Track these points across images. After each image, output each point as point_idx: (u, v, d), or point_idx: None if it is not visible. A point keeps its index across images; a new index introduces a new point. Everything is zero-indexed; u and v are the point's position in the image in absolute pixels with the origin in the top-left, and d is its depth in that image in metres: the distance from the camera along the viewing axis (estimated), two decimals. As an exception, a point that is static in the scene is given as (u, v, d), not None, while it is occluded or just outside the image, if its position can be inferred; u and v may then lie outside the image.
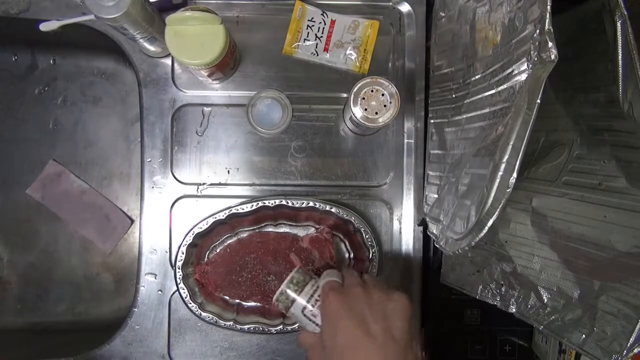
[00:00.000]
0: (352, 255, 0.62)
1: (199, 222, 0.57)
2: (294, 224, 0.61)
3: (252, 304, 0.60)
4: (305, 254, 0.59)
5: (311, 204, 0.57)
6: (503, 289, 0.51)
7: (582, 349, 0.41)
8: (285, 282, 0.47)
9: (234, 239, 0.61)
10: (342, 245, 0.62)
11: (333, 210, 0.57)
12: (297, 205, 0.57)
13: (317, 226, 0.61)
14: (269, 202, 0.57)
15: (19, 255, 0.69)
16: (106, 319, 0.69)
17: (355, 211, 0.59)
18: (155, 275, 0.60)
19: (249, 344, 0.61)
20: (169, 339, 0.60)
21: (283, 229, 0.62)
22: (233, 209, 0.57)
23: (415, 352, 0.41)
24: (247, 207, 0.57)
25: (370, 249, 0.58)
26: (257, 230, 0.61)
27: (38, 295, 0.69)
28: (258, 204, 0.57)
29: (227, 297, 0.59)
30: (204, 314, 0.57)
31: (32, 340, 0.67)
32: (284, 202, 0.57)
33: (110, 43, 0.60)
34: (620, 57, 0.36)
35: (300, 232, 0.62)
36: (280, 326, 0.57)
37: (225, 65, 0.56)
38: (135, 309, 0.60)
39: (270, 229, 0.61)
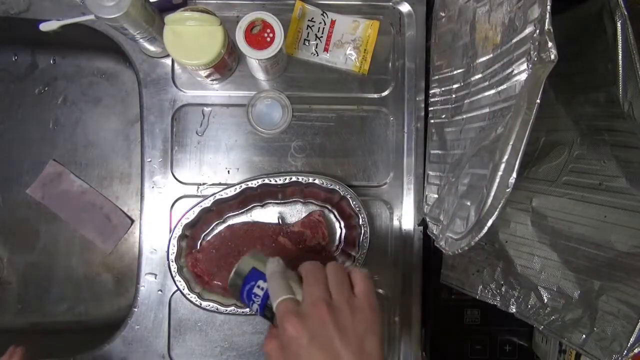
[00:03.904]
0: (342, 225, 0.62)
1: (186, 213, 0.57)
2: (280, 201, 0.62)
3: None
4: (297, 236, 0.59)
5: (294, 178, 0.57)
6: (503, 289, 0.51)
7: (582, 349, 0.41)
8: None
9: (223, 225, 0.61)
10: (332, 216, 0.62)
11: (317, 181, 0.57)
12: (280, 182, 0.57)
13: (303, 200, 0.61)
14: (252, 183, 0.57)
15: (19, 255, 0.69)
16: (106, 319, 0.69)
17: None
18: (155, 275, 0.60)
19: (249, 344, 0.61)
20: (169, 339, 0.60)
21: (270, 208, 0.62)
22: (217, 194, 0.57)
23: None
24: (232, 191, 0.57)
25: (359, 215, 0.58)
26: (244, 214, 0.61)
27: (38, 295, 0.69)
28: (241, 186, 0.57)
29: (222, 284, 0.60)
30: (204, 303, 0.57)
31: (32, 340, 0.67)
32: (267, 181, 0.57)
33: (110, 43, 0.60)
34: (620, 57, 0.36)
35: (288, 209, 0.62)
36: None
37: (224, 67, 0.56)
38: (135, 309, 0.60)
39: (257, 210, 0.62)
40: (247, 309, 0.56)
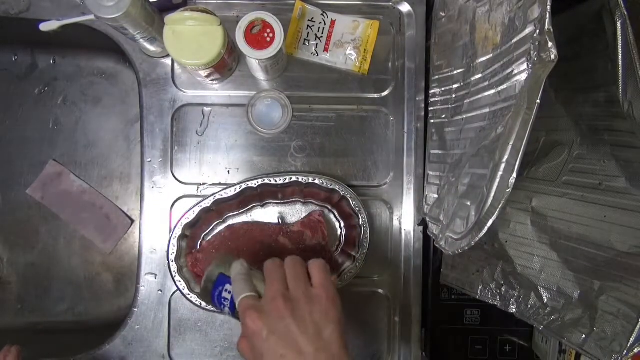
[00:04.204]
0: (342, 225, 0.62)
1: (186, 213, 0.57)
2: (280, 201, 0.62)
3: None
4: (297, 236, 0.59)
5: (294, 178, 0.57)
6: (503, 289, 0.51)
7: (582, 349, 0.41)
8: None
9: (223, 225, 0.61)
10: (332, 216, 0.62)
11: (316, 181, 0.57)
12: (280, 182, 0.57)
13: (303, 200, 0.61)
14: (252, 183, 0.57)
15: (19, 255, 0.69)
16: (106, 319, 0.69)
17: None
18: (155, 275, 0.60)
19: (249, 344, 0.61)
20: (169, 339, 0.60)
21: (270, 208, 0.62)
22: (217, 194, 0.57)
23: (348, 351, 0.39)
24: (232, 191, 0.57)
25: (359, 215, 0.58)
26: (244, 214, 0.61)
27: (38, 295, 0.69)
28: (241, 186, 0.57)
29: None
30: (204, 303, 0.57)
31: (32, 340, 0.67)
32: (267, 181, 0.57)
33: (110, 43, 0.60)
34: (620, 57, 0.36)
35: (288, 209, 0.62)
36: None
37: (224, 67, 0.56)
38: (135, 309, 0.60)
39: (257, 210, 0.62)
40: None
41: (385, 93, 0.62)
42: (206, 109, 0.61)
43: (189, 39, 0.50)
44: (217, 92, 0.61)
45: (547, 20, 0.31)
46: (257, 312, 0.38)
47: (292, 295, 0.40)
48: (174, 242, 0.57)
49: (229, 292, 0.43)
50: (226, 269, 0.44)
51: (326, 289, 0.41)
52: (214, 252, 0.59)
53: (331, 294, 0.41)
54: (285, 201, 0.62)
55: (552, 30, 0.31)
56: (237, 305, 0.41)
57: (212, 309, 0.57)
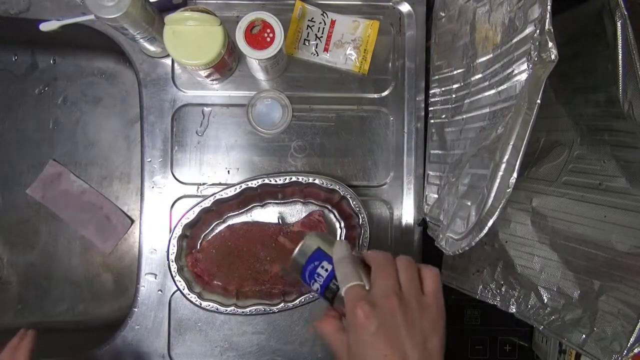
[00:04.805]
0: (342, 225, 0.62)
1: (186, 213, 0.57)
2: (280, 201, 0.62)
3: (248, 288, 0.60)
4: (297, 236, 0.59)
5: (294, 178, 0.57)
6: (503, 289, 0.51)
7: (582, 349, 0.41)
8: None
9: (223, 225, 0.61)
10: (332, 216, 0.62)
11: (316, 181, 0.57)
12: (280, 182, 0.57)
13: (303, 200, 0.61)
14: (252, 183, 0.57)
15: (19, 255, 0.69)
16: (106, 319, 0.69)
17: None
18: (155, 275, 0.60)
19: (249, 344, 0.61)
20: (169, 339, 0.60)
21: (270, 208, 0.62)
22: (217, 194, 0.57)
23: None
24: (232, 191, 0.57)
25: (359, 215, 0.58)
26: (244, 214, 0.61)
27: (38, 295, 0.69)
28: (242, 186, 0.57)
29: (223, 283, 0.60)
30: (204, 303, 0.57)
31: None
32: (267, 181, 0.57)
33: (110, 43, 0.60)
34: (620, 57, 0.36)
35: (288, 209, 0.62)
36: (282, 304, 0.57)
37: (224, 67, 0.56)
38: (135, 309, 0.60)
39: (257, 210, 0.62)
40: (247, 309, 0.56)
41: (385, 93, 0.62)
42: (206, 109, 0.61)
43: (189, 39, 0.50)
44: (217, 92, 0.61)
45: (547, 20, 0.31)
46: (369, 305, 0.36)
47: (405, 297, 0.38)
48: (174, 242, 0.57)
49: (326, 270, 0.41)
50: (325, 246, 0.42)
51: (438, 300, 0.39)
52: (214, 252, 0.59)
53: (442, 306, 0.39)
54: (285, 201, 0.62)
55: (552, 30, 0.31)
56: (342, 292, 0.38)
57: (212, 309, 0.57)
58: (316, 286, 0.42)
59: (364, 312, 0.36)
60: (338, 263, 0.40)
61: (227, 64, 0.56)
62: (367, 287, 0.39)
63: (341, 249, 0.41)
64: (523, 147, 0.33)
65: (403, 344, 0.36)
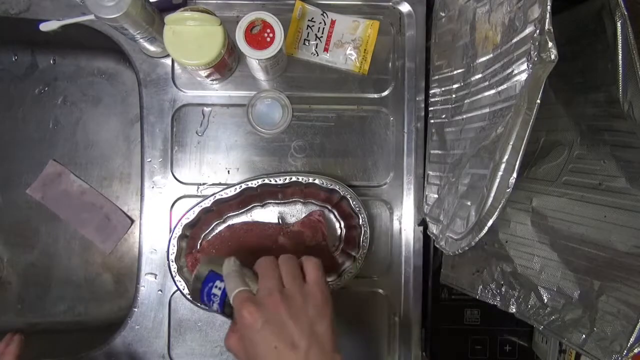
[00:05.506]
0: (342, 224, 0.62)
1: (186, 213, 0.57)
2: (280, 201, 0.62)
3: None
4: (297, 236, 0.59)
5: (294, 178, 0.57)
6: (503, 289, 0.51)
7: (582, 349, 0.41)
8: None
9: (223, 225, 0.61)
10: (332, 216, 0.62)
11: (316, 181, 0.57)
12: (280, 182, 0.57)
13: (303, 200, 0.61)
14: (252, 183, 0.57)
15: (19, 255, 0.69)
16: (106, 319, 0.69)
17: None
18: (155, 275, 0.60)
19: (249, 344, 0.60)
20: (169, 339, 0.60)
21: (270, 208, 0.62)
22: (217, 194, 0.57)
23: (338, 348, 0.40)
24: (232, 191, 0.57)
25: (359, 215, 0.58)
26: (244, 214, 0.61)
27: (38, 295, 0.69)
28: (242, 186, 0.57)
29: None
30: None
31: (32, 340, 0.66)
32: (267, 181, 0.57)
33: (110, 43, 0.60)
34: (620, 57, 0.36)
35: (288, 209, 0.62)
36: None
37: (224, 67, 0.56)
38: (135, 309, 0.60)
39: (257, 210, 0.62)
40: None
41: (385, 93, 0.62)
42: (206, 109, 0.61)
43: (189, 39, 0.50)
44: (217, 92, 0.61)
45: (547, 20, 0.31)
46: (254, 304, 0.39)
47: (288, 291, 0.41)
48: (174, 242, 0.57)
49: (219, 289, 0.44)
50: (216, 267, 0.45)
51: (320, 287, 0.42)
52: (214, 252, 0.59)
53: (325, 292, 0.42)
54: (285, 201, 0.62)
55: (552, 30, 0.31)
56: (231, 300, 0.41)
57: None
58: (215, 306, 0.44)
59: (249, 311, 0.39)
60: (226, 277, 0.43)
61: (227, 64, 0.56)
62: (254, 292, 0.41)
63: (228, 265, 0.44)
64: (523, 147, 0.33)
65: (291, 334, 0.38)
